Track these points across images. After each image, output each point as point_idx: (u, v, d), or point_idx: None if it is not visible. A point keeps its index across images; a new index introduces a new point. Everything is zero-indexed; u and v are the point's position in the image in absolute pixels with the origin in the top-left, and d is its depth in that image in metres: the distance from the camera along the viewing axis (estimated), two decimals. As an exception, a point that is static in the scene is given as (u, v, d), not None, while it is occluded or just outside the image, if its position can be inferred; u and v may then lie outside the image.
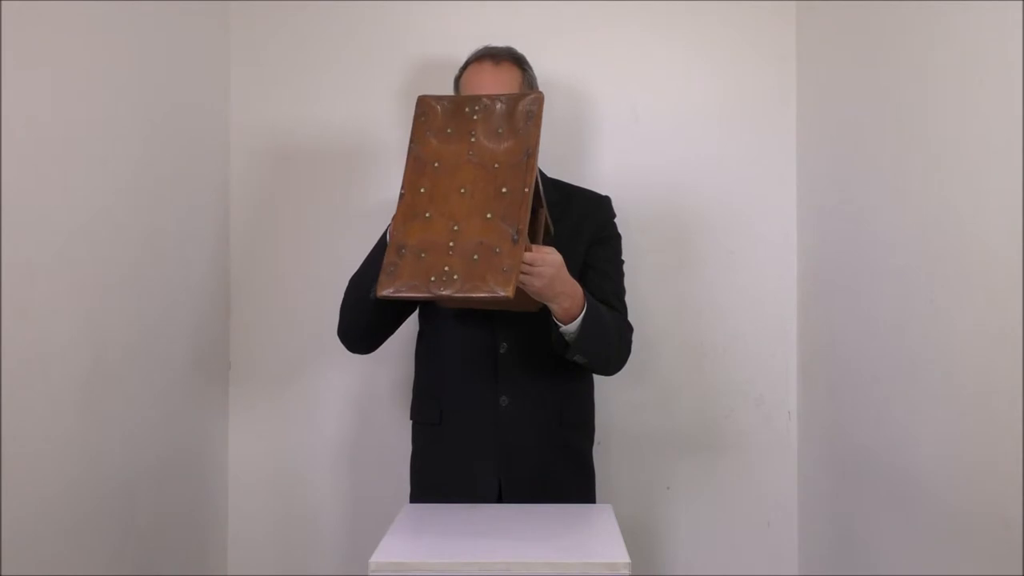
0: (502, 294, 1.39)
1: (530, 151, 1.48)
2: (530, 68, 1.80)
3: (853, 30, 1.88)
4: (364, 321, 1.69)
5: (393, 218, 1.48)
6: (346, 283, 1.73)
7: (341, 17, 2.22)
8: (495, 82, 1.73)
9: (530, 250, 1.45)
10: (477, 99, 1.54)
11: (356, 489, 2.21)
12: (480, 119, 1.52)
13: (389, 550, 1.33)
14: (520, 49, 1.82)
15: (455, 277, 1.40)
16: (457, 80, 1.82)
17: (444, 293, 1.40)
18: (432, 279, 1.41)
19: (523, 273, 1.44)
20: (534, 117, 1.50)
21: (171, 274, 1.92)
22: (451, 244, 1.43)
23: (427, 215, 1.46)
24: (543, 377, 1.74)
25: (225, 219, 2.20)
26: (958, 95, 1.45)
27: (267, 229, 2.22)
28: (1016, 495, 1.27)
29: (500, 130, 1.51)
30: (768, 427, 2.20)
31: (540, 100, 1.52)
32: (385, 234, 1.61)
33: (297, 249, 2.21)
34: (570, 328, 1.58)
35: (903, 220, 1.64)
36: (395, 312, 1.73)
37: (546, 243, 1.58)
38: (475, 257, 1.42)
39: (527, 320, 1.69)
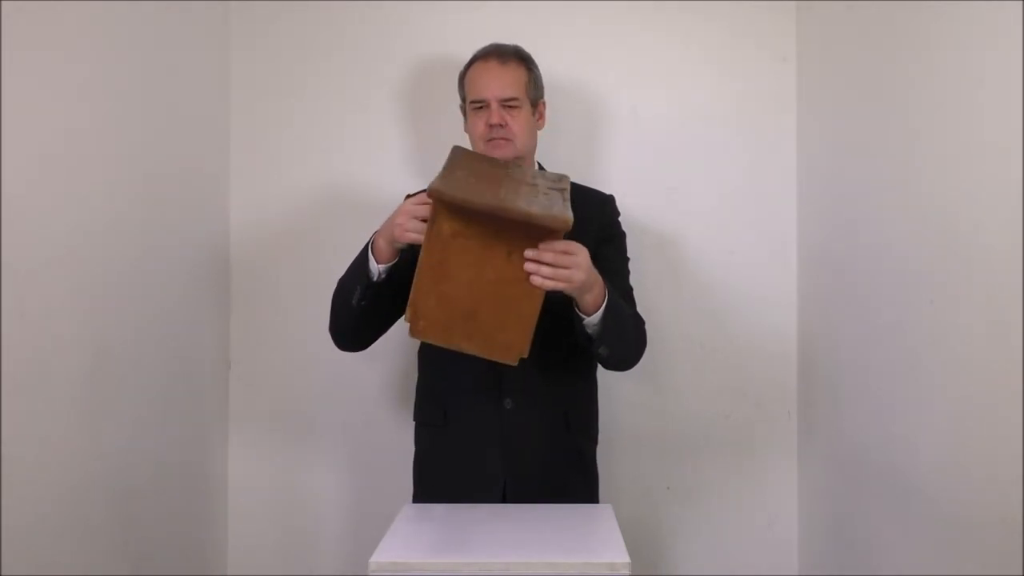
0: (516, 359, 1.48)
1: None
2: (536, 68, 1.80)
3: (853, 30, 1.88)
4: (351, 325, 1.70)
5: (415, 280, 1.47)
6: None
7: (343, 19, 2.21)
8: (501, 81, 1.73)
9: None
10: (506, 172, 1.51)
11: (356, 489, 2.21)
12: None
13: (389, 550, 1.32)
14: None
15: (474, 336, 1.48)
16: (462, 77, 1.81)
17: (464, 345, 1.49)
18: (455, 332, 1.47)
19: (564, 267, 1.44)
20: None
21: (171, 274, 1.92)
22: (469, 310, 1.47)
23: (442, 289, 1.45)
24: (547, 379, 1.73)
25: (225, 219, 2.20)
26: (958, 95, 1.45)
27: (267, 229, 2.22)
28: (1016, 495, 1.27)
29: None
30: (768, 427, 2.21)
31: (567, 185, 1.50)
32: (367, 246, 1.62)
33: (297, 249, 2.21)
34: (593, 320, 1.57)
35: (903, 220, 1.64)
36: (382, 318, 1.73)
37: None
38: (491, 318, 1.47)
39: None
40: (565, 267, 1.44)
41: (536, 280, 1.43)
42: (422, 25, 2.20)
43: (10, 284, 1.37)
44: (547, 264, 1.43)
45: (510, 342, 1.48)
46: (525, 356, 1.48)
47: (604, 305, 1.55)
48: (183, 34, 1.98)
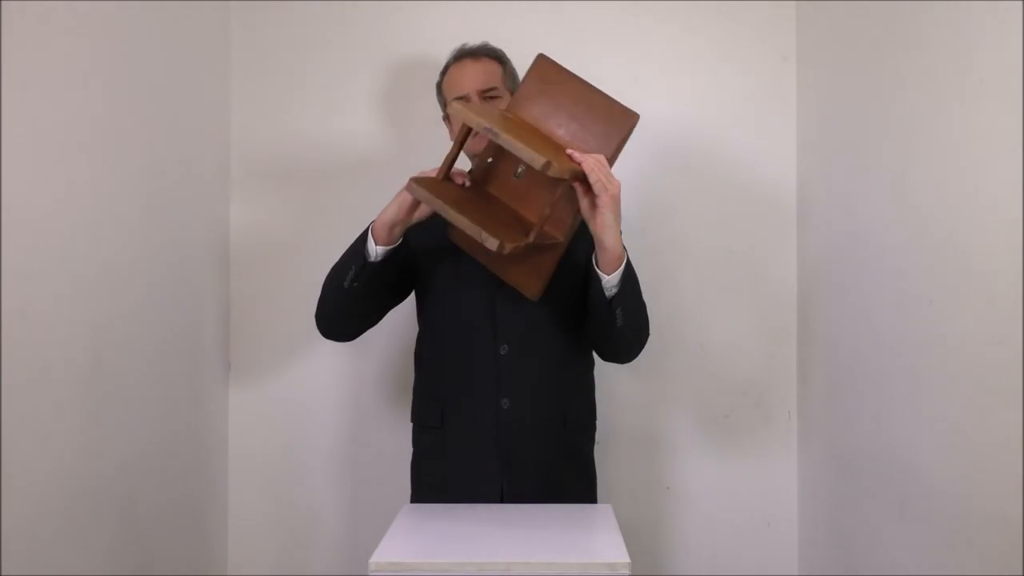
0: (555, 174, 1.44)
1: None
2: (509, 62, 1.83)
3: (853, 30, 1.88)
4: (339, 310, 1.70)
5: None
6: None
7: (343, 18, 2.22)
8: (477, 76, 1.77)
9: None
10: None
11: (356, 489, 2.21)
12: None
13: (389, 550, 1.33)
14: (518, 50, 1.82)
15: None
16: (439, 86, 1.86)
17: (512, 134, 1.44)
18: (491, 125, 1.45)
19: (602, 175, 1.51)
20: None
21: (171, 274, 1.92)
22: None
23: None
24: (545, 379, 1.74)
25: (225, 218, 2.20)
26: (958, 95, 1.45)
27: (267, 229, 2.22)
28: (1016, 495, 1.28)
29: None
30: (768, 427, 2.21)
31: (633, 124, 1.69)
32: (367, 231, 1.62)
33: (297, 249, 2.21)
34: (612, 279, 1.58)
35: (903, 220, 1.64)
36: (373, 304, 1.73)
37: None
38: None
39: (528, 321, 1.69)
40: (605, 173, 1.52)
41: (587, 165, 1.51)
42: (422, 25, 2.20)
43: (10, 284, 1.37)
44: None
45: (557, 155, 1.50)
46: (566, 176, 1.47)
47: (624, 263, 1.58)
48: (184, 32, 1.98)
